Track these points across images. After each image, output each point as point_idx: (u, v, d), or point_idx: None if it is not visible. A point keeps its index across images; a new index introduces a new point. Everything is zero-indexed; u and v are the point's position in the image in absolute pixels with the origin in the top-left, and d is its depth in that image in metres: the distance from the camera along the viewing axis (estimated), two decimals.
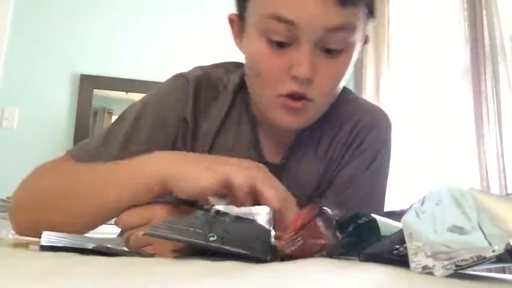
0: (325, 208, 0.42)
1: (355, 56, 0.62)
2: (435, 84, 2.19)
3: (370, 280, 0.29)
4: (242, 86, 0.70)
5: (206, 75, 0.70)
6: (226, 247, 0.36)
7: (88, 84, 2.53)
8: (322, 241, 0.40)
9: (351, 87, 2.72)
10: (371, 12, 0.61)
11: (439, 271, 0.29)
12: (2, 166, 2.31)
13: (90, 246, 0.39)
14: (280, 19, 0.56)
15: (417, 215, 0.33)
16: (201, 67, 0.72)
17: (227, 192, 0.47)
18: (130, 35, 2.60)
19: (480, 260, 0.27)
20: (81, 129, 2.48)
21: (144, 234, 0.41)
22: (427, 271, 0.30)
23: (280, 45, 0.58)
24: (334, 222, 0.42)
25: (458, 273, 0.29)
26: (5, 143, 2.36)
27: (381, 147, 0.71)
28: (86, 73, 2.53)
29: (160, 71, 2.54)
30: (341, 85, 0.65)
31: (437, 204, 0.32)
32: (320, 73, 0.59)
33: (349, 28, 0.57)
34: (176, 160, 0.52)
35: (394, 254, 0.35)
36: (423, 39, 2.30)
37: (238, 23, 0.65)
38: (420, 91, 2.28)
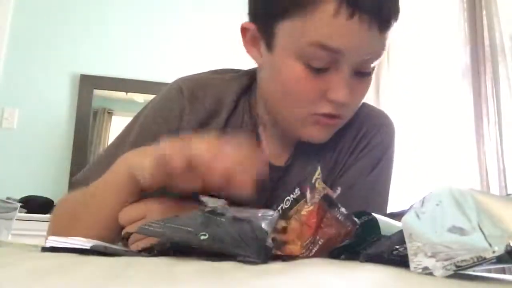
0: (327, 191, 0.42)
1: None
2: (435, 84, 2.19)
3: (370, 280, 0.29)
4: (244, 91, 0.70)
5: (203, 83, 0.71)
6: (217, 246, 0.36)
7: (88, 84, 2.53)
8: (344, 230, 0.40)
9: None
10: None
11: (439, 272, 0.29)
12: (2, 166, 2.31)
13: (89, 246, 0.39)
14: (324, 47, 0.56)
15: (417, 215, 0.33)
16: (199, 74, 0.73)
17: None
18: (130, 35, 2.60)
19: (480, 261, 0.27)
20: (81, 129, 2.48)
21: (136, 232, 0.42)
22: (427, 271, 0.30)
23: (319, 70, 0.58)
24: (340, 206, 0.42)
25: (458, 273, 0.29)
26: (5, 143, 2.37)
27: (385, 151, 0.72)
28: (86, 73, 2.53)
29: (160, 71, 2.55)
30: None
31: (437, 204, 0.32)
32: (354, 95, 0.61)
33: (380, 55, 0.59)
34: (137, 152, 0.57)
35: (394, 255, 0.35)
36: (423, 39, 2.30)
37: (259, 35, 0.63)
38: (420, 91, 2.28)
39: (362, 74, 0.60)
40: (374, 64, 0.60)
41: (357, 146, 0.71)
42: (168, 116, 0.67)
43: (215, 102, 0.69)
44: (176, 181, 0.52)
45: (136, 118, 0.70)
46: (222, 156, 0.49)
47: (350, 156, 0.71)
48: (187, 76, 0.72)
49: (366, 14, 0.54)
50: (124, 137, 0.69)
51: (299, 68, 0.58)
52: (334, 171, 0.71)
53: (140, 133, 0.67)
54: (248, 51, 0.66)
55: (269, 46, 0.61)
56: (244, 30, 0.66)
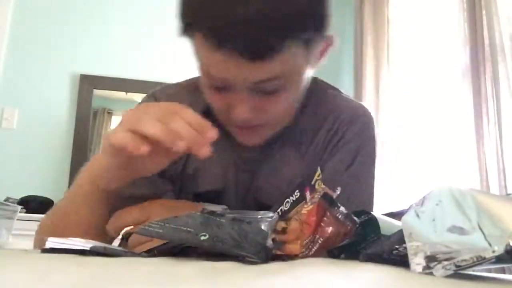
0: (327, 190, 0.42)
1: (302, 81, 0.61)
2: (435, 85, 2.19)
3: (370, 280, 0.29)
4: None
5: (178, 92, 0.72)
6: (217, 247, 0.37)
7: (88, 84, 2.53)
8: (344, 229, 0.41)
9: (351, 87, 2.72)
10: (314, 38, 0.58)
11: (439, 272, 0.29)
12: (2, 166, 2.31)
13: (88, 247, 0.39)
14: (214, 78, 0.57)
15: (417, 215, 0.33)
16: (175, 84, 0.74)
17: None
18: (130, 35, 2.60)
19: (480, 261, 0.27)
20: (80, 129, 2.48)
21: (136, 233, 0.42)
22: (427, 271, 0.30)
23: (220, 88, 0.59)
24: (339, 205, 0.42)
25: (458, 273, 0.29)
26: (5, 143, 2.36)
27: (362, 144, 0.70)
28: (86, 73, 2.53)
29: (160, 71, 2.55)
30: (297, 101, 0.65)
31: (437, 204, 0.32)
32: (263, 108, 0.59)
33: (278, 77, 0.55)
34: (95, 157, 0.60)
35: (394, 254, 0.35)
36: (423, 40, 2.30)
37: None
38: (420, 92, 2.28)
39: (267, 92, 0.58)
40: (283, 83, 0.57)
41: (331, 139, 0.70)
42: None
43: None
44: (138, 166, 0.54)
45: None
46: (172, 123, 0.48)
47: (325, 151, 0.70)
48: (160, 89, 0.75)
49: (232, 48, 0.51)
50: None
51: (206, 83, 0.60)
52: (312, 165, 0.70)
53: None
54: None
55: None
56: None
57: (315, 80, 0.72)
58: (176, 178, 0.71)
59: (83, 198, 0.60)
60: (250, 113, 0.58)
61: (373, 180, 0.72)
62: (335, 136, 0.70)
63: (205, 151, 0.49)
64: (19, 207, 0.82)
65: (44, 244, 0.39)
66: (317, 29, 0.57)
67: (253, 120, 0.60)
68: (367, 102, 2.47)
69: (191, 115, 0.50)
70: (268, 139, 0.68)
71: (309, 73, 0.63)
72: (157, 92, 0.74)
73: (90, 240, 0.43)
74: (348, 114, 0.71)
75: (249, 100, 0.58)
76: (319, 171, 0.50)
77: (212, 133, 0.50)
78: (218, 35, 0.52)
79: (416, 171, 2.17)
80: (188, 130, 0.48)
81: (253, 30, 0.51)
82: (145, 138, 0.48)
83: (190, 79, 0.75)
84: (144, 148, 0.48)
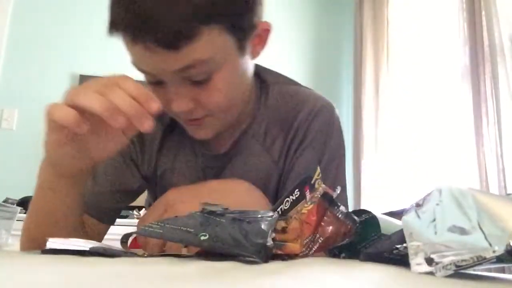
0: (327, 189, 0.42)
1: (236, 66, 0.61)
2: (435, 85, 2.20)
3: (371, 280, 0.29)
4: None
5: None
6: (217, 247, 0.36)
7: None
8: (344, 228, 0.41)
9: (350, 87, 2.73)
10: (239, 24, 0.58)
11: (439, 272, 0.29)
12: (2, 167, 2.31)
13: (88, 248, 0.39)
14: (140, 70, 0.58)
15: (417, 215, 0.33)
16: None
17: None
18: None
19: (481, 261, 0.27)
20: None
21: (136, 233, 0.42)
22: (427, 271, 0.30)
23: (155, 83, 0.59)
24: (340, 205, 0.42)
25: (458, 273, 0.29)
26: (4, 144, 2.36)
27: (329, 136, 0.71)
28: (86, 73, 2.53)
29: None
30: (238, 89, 0.64)
31: (437, 204, 0.32)
32: (199, 101, 0.59)
33: (198, 63, 0.55)
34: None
35: (395, 254, 0.35)
36: (422, 40, 2.30)
37: None
38: (420, 92, 2.28)
39: (198, 81, 0.58)
40: (210, 70, 0.57)
41: (296, 134, 0.70)
42: None
43: None
44: (93, 145, 0.53)
45: None
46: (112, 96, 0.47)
47: (292, 144, 0.70)
48: None
49: (145, 41, 0.52)
50: None
51: (145, 80, 0.60)
52: (280, 161, 0.71)
53: None
54: None
55: None
56: None
57: (276, 75, 0.74)
58: (151, 178, 0.73)
59: (53, 193, 0.58)
60: (187, 105, 0.58)
61: (344, 170, 0.72)
62: (299, 132, 0.70)
63: (147, 124, 0.47)
64: (19, 208, 0.82)
65: (33, 245, 0.39)
66: (241, 15, 0.58)
67: (194, 112, 0.60)
68: (367, 102, 2.47)
69: (133, 85, 0.48)
70: (234, 136, 0.70)
71: (246, 60, 0.63)
72: None
73: (90, 241, 0.43)
74: (310, 106, 0.71)
75: (183, 92, 0.58)
76: (318, 170, 0.50)
77: (155, 105, 0.48)
78: (132, 30, 0.53)
79: (416, 171, 2.17)
80: (128, 103, 0.46)
81: (164, 20, 0.51)
82: (85, 113, 0.46)
83: None
84: (83, 126, 0.46)
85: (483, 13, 1.87)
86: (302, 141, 0.70)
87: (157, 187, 0.74)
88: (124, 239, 0.49)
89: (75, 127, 0.47)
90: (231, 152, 0.71)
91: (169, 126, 0.72)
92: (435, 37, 2.22)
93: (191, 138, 0.67)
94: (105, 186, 0.70)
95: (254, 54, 0.64)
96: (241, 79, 0.64)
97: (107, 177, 0.70)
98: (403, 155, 2.27)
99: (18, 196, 2.15)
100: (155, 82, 0.59)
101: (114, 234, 0.80)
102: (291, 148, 0.70)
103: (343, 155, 0.73)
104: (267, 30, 0.65)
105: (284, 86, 0.73)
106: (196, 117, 0.61)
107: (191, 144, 0.72)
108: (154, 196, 0.75)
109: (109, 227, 0.74)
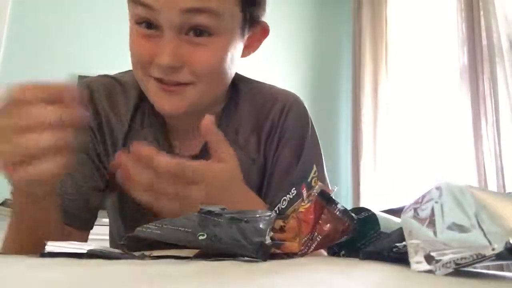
0: (324, 187, 0.42)
1: (233, 43, 0.61)
2: (433, 85, 2.20)
3: (371, 279, 0.29)
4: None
5: (112, 84, 0.70)
6: (216, 246, 0.36)
7: None
8: (342, 226, 0.41)
9: (349, 87, 2.73)
10: (247, 3, 0.60)
11: (439, 270, 0.29)
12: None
13: (85, 250, 0.39)
14: (139, 2, 0.56)
15: (417, 213, 0.33)
16: (106, 75, 0.73)
17: None
18: None
19: (480, 258, 0.27)
20: None
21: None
22: (427, 269, 0.30)
23: (149, 28, 0.58)
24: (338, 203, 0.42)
25: (458, 271, 0.29)
26: None
27: (305, 130, 0.72)
28: (85, 73, 2.53)
29: None
30: (227, 68, 0.62)
31: (436, 202, 0.32)
32: (190, 58, 0.58)
33: (209, 11, 0.56)
34: None
35: (394, 252, 0.35)
36: (421, 40, 2.31)
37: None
38: (418, 92, 2.28)
39: (200, 33, 0.57)
40: (214, 25, 0.57)
41: (271, 132, 0.70)
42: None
43: (119, 103, 0.69)
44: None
45: None
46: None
47: (267, 141, 0.71)
48: (93, 78, 0.73)
49: None
50: None
51: (133, 29, 0.59)
52: (253, 154, 0.70)
53: None
54: None
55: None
56: None
57: (244, 78, 0.75)
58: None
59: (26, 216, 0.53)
60: (173, 58, 0.57)
61: (323, 161, 0.73)
62: (276, 126, 0.71)
63: (77, 125, 0.44)
64: None
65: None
66: (253, 6, 0.59)
67: (179, 73, 0.58)
68: (366, 102, 2.47)
69: (46, 90, 0.45)
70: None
71: (240, 49, 0.63)
72: (92, 84, 0.71)
73: (87, 243, 0.43)
74: (282, 101, 0.72)
75: (177, 44, 0.57)
76: (315, 168, 0.50)
77: (75, 93, 0.44)
78: None
79: (415, 170, 2.17)
80: (42, 142, 0.42)
81: None
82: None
83: (121, 74, 0.74)
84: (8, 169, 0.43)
85: (482, 13, 1.87)
86: (280, 138, 0.70)
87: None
88: (124, 244, 0.49)
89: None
90: (204, 153, 0.68)
91: (128, 131, 0.69)
92: (434, 37, 2.23)
93: (159, 143, 0.66)
94: (72, 190, 0.65)
95: (246, 50, 0.64)
96: (231, 63, 0.62)
97: (72, 182, 0.65)
98: (402, 155, 2.27)
99: None
100: (146, 26, 0.58)
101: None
102: (269, 144, 0.71)
103: (320, 147, 0.74)
104: (265, 31, 0.65)
105: (255, 82, 0.74)
106: (179, 79, 0.59)
107: (162, 148, 0.67)
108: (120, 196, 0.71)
109: (87, 233, 0.68)
